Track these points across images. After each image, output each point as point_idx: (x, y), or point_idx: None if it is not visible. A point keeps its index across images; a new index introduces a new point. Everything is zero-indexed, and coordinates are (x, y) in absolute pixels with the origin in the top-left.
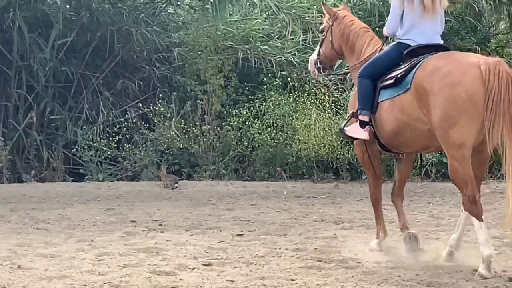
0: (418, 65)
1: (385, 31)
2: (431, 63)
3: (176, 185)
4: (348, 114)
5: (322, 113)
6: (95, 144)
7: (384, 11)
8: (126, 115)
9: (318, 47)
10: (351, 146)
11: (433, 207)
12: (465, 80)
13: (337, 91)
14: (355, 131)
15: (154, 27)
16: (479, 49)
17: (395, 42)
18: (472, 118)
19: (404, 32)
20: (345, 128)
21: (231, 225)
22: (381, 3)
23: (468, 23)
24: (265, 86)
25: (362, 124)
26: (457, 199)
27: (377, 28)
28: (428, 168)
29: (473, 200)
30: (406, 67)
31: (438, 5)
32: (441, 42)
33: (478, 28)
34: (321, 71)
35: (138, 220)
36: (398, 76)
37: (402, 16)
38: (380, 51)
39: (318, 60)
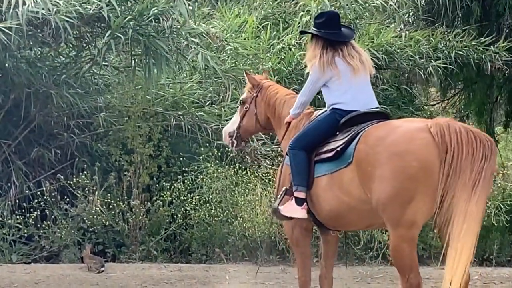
0: (359, 136)
1: (297, 105)
2: (372, 134)
3: (102, 268)
4: (280, 192)
5: (269, 188)
6: (9, 221)
7: None
8: (43, 187)
9: (238, 119)
10: None
11: None
12: (414, 147)
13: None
14: (291, 209)
15: (78, 90)
16: None
17: (329, 109)
18: (428, 192)
19: (336, 98)
20: (279, 207)
21: None
22: None
23: (404, 92)
24: (200, 157)
25: (299, 202)
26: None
27: None
28: (387, 250)
29: None
30: (346, 138)
31: (367, 63)
32: (378, 106)
33: (413, 97)
34: (239, 145)
35: None
36: (339, 149)
37: (328, 85)
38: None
39: (236, 133)
